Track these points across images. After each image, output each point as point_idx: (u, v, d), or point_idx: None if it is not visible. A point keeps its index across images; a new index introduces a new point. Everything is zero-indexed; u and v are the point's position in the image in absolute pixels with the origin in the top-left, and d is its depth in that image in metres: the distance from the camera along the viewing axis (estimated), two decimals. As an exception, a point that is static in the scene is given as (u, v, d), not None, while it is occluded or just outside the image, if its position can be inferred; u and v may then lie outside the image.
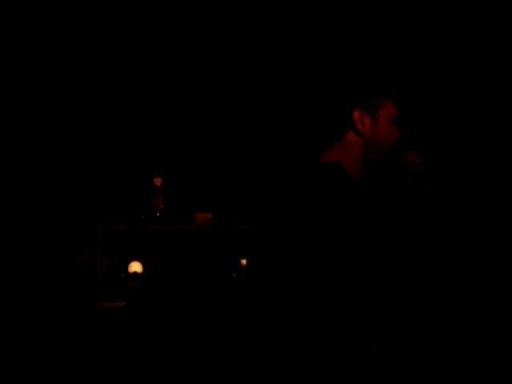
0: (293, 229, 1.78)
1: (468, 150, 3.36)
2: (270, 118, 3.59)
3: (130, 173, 3.57)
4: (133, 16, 3.53)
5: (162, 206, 3.42)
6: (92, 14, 3.50)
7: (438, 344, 2.13)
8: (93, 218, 3.43)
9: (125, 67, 3.59)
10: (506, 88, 3.32)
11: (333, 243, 1.75)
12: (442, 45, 3.44)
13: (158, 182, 3.42)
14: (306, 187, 1.81)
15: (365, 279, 1.76)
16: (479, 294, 2.69)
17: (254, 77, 3.60)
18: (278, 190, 1.89)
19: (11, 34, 3.42)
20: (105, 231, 3.35)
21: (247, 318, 1.84)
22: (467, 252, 2.87)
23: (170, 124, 3.62)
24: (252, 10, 3.53)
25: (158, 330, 3.16)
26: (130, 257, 3.39)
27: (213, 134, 3.62)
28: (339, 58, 3.48)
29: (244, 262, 3.30)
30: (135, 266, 3.40)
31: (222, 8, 3.55)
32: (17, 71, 3.45)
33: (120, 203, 3.52)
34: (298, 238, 1.76)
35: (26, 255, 3.34)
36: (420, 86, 3.41)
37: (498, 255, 2.99)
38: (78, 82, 3.54)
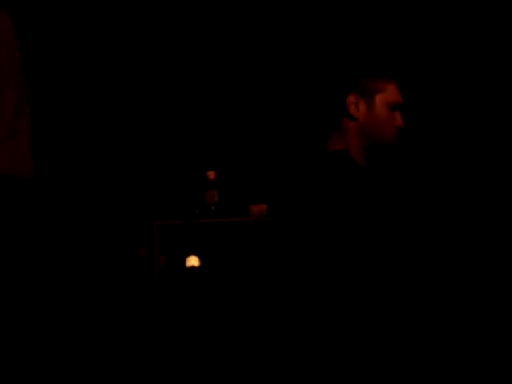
0: (309, 219, 1.74)
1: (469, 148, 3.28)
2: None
3: (184, 168, 3.57)
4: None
5: (216, 199, 3.41)
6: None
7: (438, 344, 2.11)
8: (148, 214, 3.45)
9: (174, 68, 3.59)
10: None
11: (346, 233, 1.71)
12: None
13: (211, 175, 3.41)
14: (315, 178, 1.78)
15: (375, 271, 1.72)
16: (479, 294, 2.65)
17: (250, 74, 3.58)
18: (292, 182, 1.85)
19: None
20: (161, 227, 3.36)
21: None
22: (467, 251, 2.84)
23: (221, 117, 3.60)
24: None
25: (219, 322, 3.17)
26: (187, 251, 3.40)
27: (263, 124, 3.61)
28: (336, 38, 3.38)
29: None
30: (192, 261, 3.40)
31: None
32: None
33: (174, 198, 3.53)
34: (315, 228, 1.72)
35: (82, 253, 3.39)
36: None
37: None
38: (130, 82, 3.58)
